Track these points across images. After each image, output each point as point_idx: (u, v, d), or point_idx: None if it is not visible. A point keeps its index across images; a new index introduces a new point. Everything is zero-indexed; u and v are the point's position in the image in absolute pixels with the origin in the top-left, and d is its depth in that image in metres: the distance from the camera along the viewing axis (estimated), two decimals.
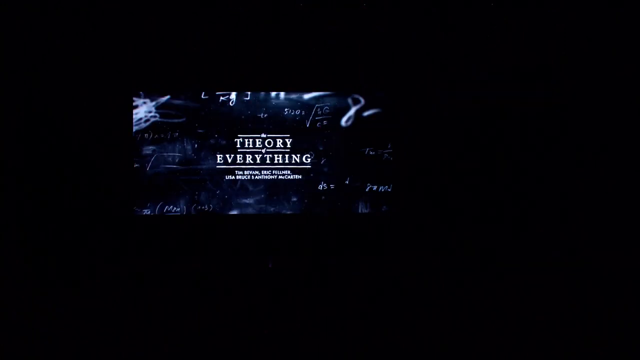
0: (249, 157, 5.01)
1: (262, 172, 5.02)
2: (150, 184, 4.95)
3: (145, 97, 4.96)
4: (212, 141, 4.99)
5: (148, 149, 4.96)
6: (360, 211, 5.04)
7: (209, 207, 4.99)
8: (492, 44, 4.92)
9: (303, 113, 5.03)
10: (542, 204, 5.00)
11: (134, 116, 4.94)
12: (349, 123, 5.04)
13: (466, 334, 3.24)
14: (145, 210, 4.96)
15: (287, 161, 5.04)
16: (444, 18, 4.84)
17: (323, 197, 5.04)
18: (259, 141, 5.02)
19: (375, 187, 5.04)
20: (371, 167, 5.03)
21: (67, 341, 3.16)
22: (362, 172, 5.03)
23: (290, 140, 5.03)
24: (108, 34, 4.80)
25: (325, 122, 5.03)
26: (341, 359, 2.98)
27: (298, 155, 5.03)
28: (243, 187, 5.02)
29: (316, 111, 5.03)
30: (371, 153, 5.04)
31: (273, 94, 5.02)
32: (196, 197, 4.98)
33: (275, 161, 5.03)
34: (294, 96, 5.03)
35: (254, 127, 5.01)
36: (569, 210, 4.98)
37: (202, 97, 4.98)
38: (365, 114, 5.04)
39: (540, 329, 3.30)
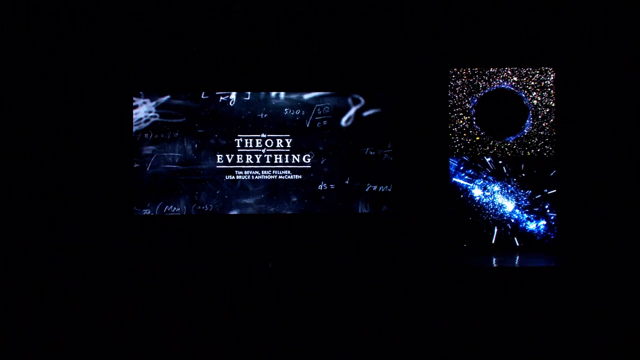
0: (249, 157, 5.01)
1: (262, 172, 5.02)
2: (150, 184, 4.96)
3: (145, 97, 4.96)
4: (212, 141, 4.99)
5: (148, 149, 4.96)
6: (360, 211, 5.04)
7: (209, 207, 4.99)
8: (492, 43, 4.94)
9: (303, 113, 5.03)
10: (542, 200, 5.00)
11: (134, 116, 4.94)
12: (349, 123, 5.04)
13: (467, 333, 3.24)
14: (145, 210, 4.96)
15: (287, 161, 5.03)
16: (444, 18, 4.84)
17: (323, 197, 5.04)
18: (259, 141, 5.02)
19: (375, 187, 5.04)
20: (371, 167, 5.03)
21: (66, 341, 3.16)
22: (362, 172, 5.03)
23: (290, 140, 5.03)
24: (108, 34, 4.80)
25: (325, 122, 5.03)
26: (342, 358, 2.98)
27: (298, 155, 5.04)
28: (243, 187, 5.02)
29: (316, 111, 5.03)
30: (371, 153, 5.04)
31: (273, 94, 5.03)
32: (196, 197, 4.98)
33: (275, 161, 5.03)
34: (294, 96, 5.03)
35: (254, 127, 5.01)
36: (569, 208, 4.97)
37: (202, 97, 4.98)
38: (365, 114, 5.04)
39: (540, 329, 3.30)
